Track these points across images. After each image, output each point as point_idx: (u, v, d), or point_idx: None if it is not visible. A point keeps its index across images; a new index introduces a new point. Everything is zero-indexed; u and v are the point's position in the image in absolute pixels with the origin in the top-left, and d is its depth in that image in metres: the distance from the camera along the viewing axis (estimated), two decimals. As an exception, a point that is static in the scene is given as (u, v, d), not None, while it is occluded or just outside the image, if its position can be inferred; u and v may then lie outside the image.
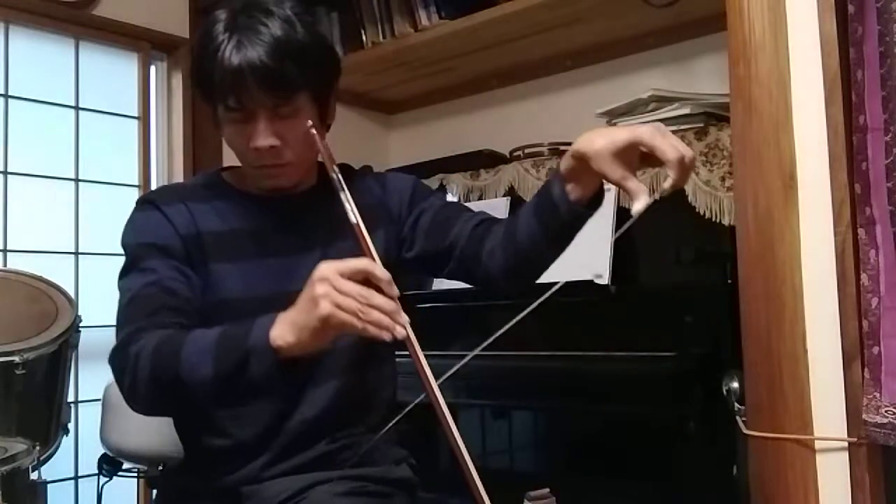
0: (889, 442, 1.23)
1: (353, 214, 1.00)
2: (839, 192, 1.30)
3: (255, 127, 1.11)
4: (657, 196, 1.00)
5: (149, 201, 1.20)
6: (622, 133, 1.00)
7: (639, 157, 1.02)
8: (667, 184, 0.99)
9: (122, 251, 1.20)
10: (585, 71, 2.49)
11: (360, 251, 1.21)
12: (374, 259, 0.96)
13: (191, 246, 1.16)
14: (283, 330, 0.95)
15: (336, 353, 1.20)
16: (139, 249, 1.16)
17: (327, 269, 0.93)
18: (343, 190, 1.05)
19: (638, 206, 1.00)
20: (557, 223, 1.11)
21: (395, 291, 0.94)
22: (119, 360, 1.07)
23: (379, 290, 0.93)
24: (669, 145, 0.97)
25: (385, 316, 0.91)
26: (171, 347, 1.02)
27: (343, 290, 0.91)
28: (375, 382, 1.27)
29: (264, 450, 1.17)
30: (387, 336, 0.91)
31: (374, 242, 1.24)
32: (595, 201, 1.11)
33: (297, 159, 1.16)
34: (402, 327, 0.93)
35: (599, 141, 1.01)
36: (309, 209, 1.23)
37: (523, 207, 1.19)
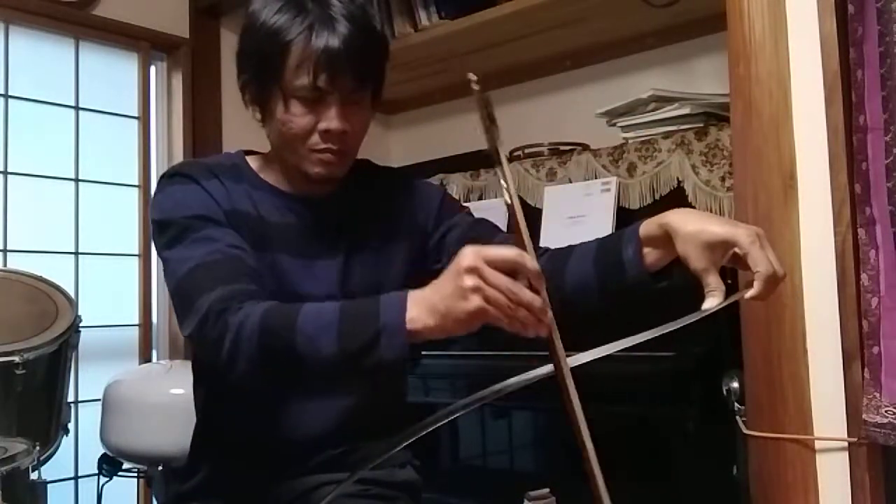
0: (889, 442, 1.23)
1: (510, 195, 0.86)
2: (839, 192, 1.30)
3: (327, 110, 1.09)
4: (728, 301, 0.96)
5: (181, 174, 1.14)
6: (719, 228, 0.97)
7: (731, 258, 0.98)
8: (747, 293, 0.96)
9: (156, 226, 1.12)
10: (585, 71, 2.49)
11: (381, 263, 1.20)
12: (525, 247, 0.86)
13: (236, 223, 1.11)
14: (422, 313, 0.88)
15: None
16: (187, 221, 1.09)
17: (475, 257, 0.84)
18: (504, 171, 0.90)
19: (708, 305, 0.97)
20: (618, 284, 1.06)
21: (543, 286, 0.86)
22: (214, 327, 0.98)
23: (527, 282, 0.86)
24: (764, 257, 0.94)
25: (532, 315, 0.84)
26: (283, 319, 0.95)
27: (493, 283, 0.83)
28: (394, 394, 1.27)
29: (275, 453, 1.17)
30: (531, 334, 0.85)
31: (397, 252, 1.21)
32: (665, 273, 1.05)
33: (353, 149, 1.16)
34: (547, 327, 0.85)
35: (693, 225, 0.98)
36: (333, 213, 1.20)
37: (577, 249, 1.13)
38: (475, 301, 0.84)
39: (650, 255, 1.05)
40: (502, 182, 0.84)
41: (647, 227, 1.04)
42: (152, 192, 2.59)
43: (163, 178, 1.16)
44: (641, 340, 0.89)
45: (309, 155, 1.12)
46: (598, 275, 1.09)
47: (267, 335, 0.95)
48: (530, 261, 0.84)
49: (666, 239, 1.01)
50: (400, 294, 0.91)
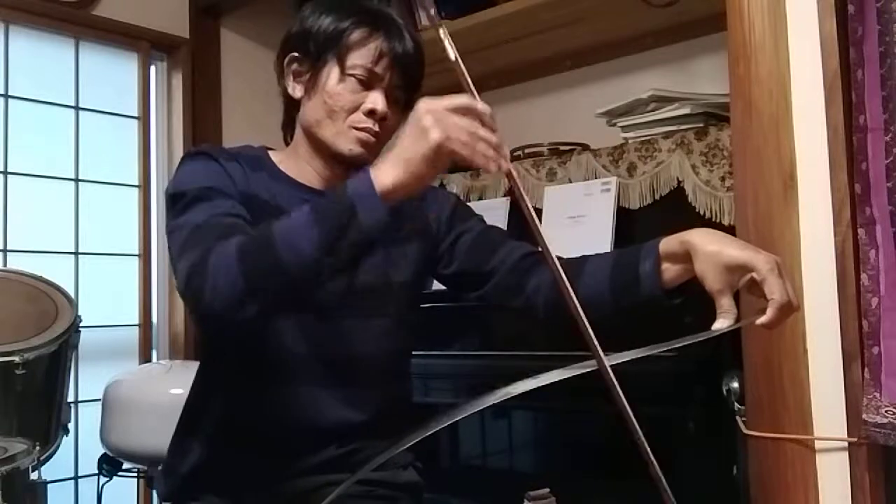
0: (889, 442, 1.23)
1: (453, 50, 0.92)
2: (839, 192, 1.30)
3: (375, 95, 1.17)
4: (738, 325, 0.98)
5: (204, 153, 1.18)
6: (739, 252, 0.99)
7: (748, 283, 0.99)
8: (759, 320, 0.97)
9: (169, 200, 1.14)
10: (585, 71, 2.49)
11: (390, 262, 1.23)
12: (474, 96, 0.91)
13: (251, 208, 1.13)
14: (387, 169, 0.93)
15: (380, 359, 1.21)
16: (200, 191, 1.11)
17: (430, 103, 0.91)
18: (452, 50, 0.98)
19: (719, 325, 0.98)
20: (632, 298, 1.08)
21: (496, 127, 0.91)
22: (197, 270, 0.98)
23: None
24: (781, 286, 0.96)
25: (490, 148, 0.89)
26: (259, 233, 0.98)
27: (449, 121, 0.89)
28: (406, 394, 1.29)
29: (279, 445, 1.17)
30: (493, 167, 0.89)
31: (406, 253, 1.25)
32: (680, 292, 1.07)
33: (385, 140, 1.20)
34: (506, 160, 0.90)
35: (714, 246, 1.00)
36: None
37: (591, 261, 1.15)
38: (436, 134, 0.89)
39: (668, 271, 1.06)
40: (446, 40, 0.90)
41: (668, 243, 1.06)
42: (152, 192, 2.63)
43: (184, 157, 1.19)
44: (656, 351, 0.94)
45: (348, 131, 1.17)
46: (612, 287, 1.10)
47: (246, 256, 0.95)
48: (481, 104, 0.90)
49: (685, 257, 1.03)
50: (363, 169, 0.96)
